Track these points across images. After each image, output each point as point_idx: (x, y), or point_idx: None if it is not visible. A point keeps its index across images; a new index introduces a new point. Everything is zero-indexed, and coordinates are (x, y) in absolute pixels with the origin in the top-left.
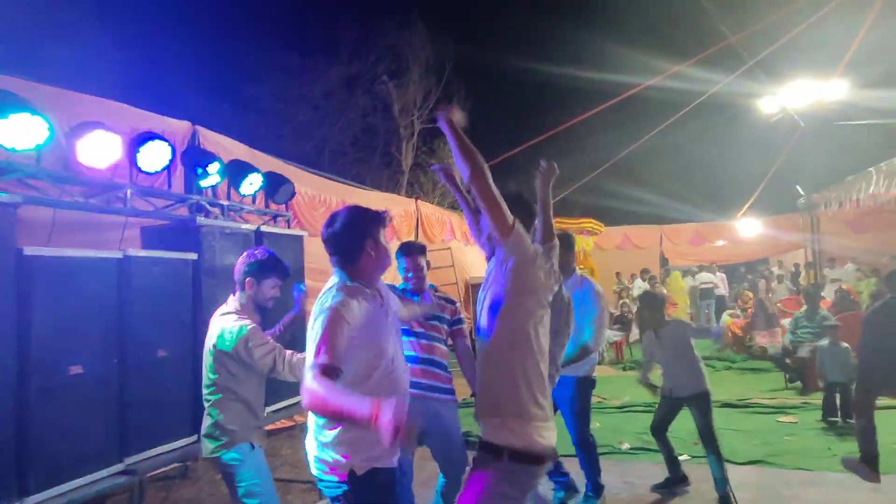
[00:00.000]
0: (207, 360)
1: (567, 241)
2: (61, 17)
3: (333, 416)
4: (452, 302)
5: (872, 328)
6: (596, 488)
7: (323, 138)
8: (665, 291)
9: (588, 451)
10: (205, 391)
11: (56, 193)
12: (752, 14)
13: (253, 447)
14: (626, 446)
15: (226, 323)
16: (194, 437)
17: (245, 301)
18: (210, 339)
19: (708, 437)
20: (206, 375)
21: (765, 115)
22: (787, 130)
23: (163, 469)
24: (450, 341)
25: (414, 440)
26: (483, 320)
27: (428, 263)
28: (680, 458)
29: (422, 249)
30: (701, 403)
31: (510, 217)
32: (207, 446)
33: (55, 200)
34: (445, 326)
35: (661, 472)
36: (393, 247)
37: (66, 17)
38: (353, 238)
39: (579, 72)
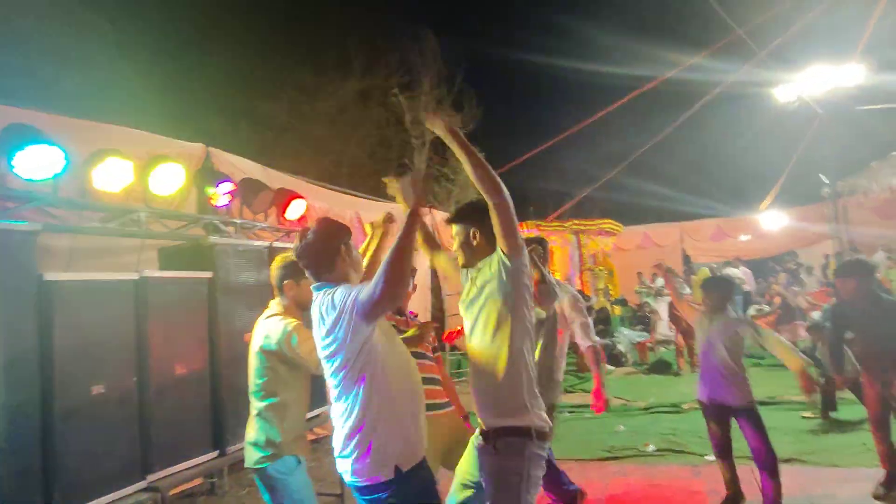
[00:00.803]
0: (254, 363)
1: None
2: (84, 48)
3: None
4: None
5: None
6: None
7: (340, 152)
8: (688, 290)
9: None
10: (252, 398)
11: (74, 219)
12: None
13: (299, 461)
14: (651, 448)
15: (270, 323)
16: (215, 453)
17: (287, 303)
18: (255, 343)
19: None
20: (253, 381)
21: (781, 104)
22: (806, 118)
23: (188, 485)
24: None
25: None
26: (483, 333)
27: (414, 286)
28: (706, 457)
29: None
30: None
31: (522, 241)
32: (252, 455)
33: (73, 226)
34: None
35: (687, 474)
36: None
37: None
38: (328, 244)
39: (591, 68)
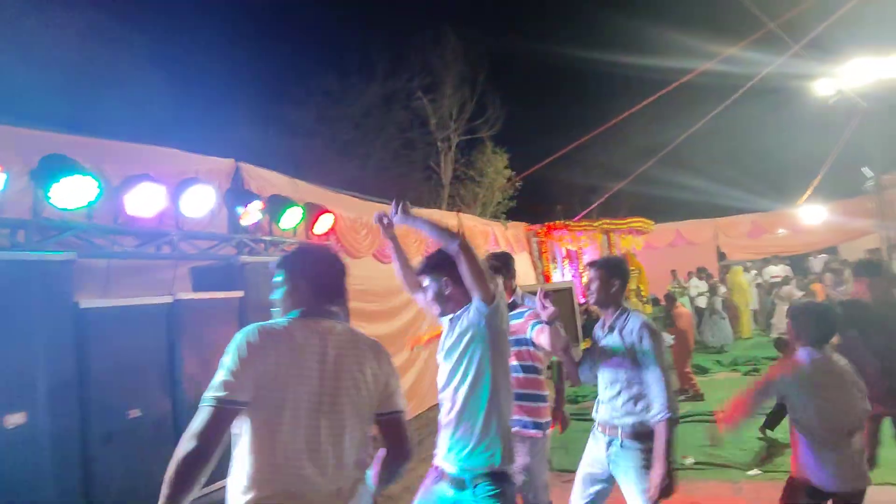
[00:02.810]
0: None
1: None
2: (115, 65)
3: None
4: None
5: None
6: None
7: (365, 155)
8: (724, 289)
9: None
10: None
11: (108, 244)
12: None
13: None
14: (689, 461)
15: None
16: None
17: None
18: None
19: None
20: None
21: (821, 98)
22: (847, 111)
23: None
24: None
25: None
26: (461, 381)
27: None
28: (749, 473)
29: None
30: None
31: (493, 285)
32: None
33: (108, 252)
34: None
35: (728, 491)
36: None
37: (119, 66)
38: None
39: (622, 59)
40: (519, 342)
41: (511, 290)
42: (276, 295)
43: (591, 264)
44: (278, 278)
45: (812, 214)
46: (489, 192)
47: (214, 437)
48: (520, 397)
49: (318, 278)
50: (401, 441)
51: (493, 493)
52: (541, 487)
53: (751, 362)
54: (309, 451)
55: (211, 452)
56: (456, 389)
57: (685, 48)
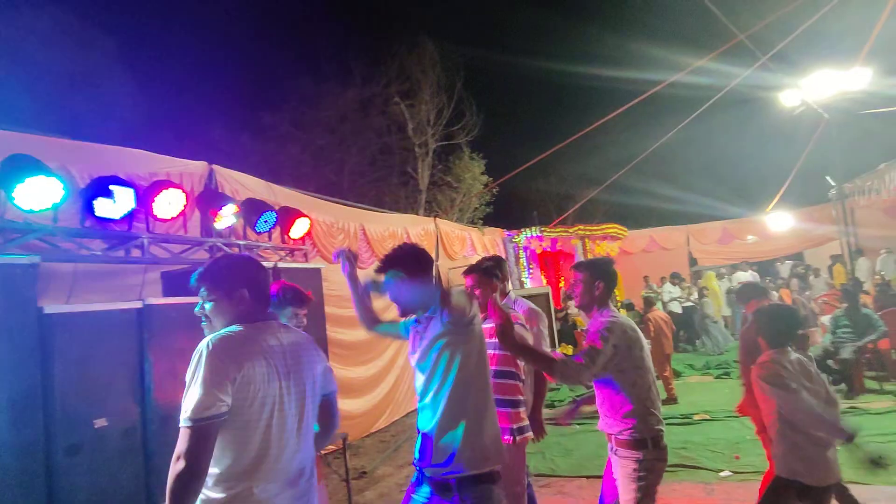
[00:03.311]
0: None
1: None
2: (85, 65)
3: None
4: None
5: None
6: None
7: (341, 161)
8: (696, 295)
9: None
10: None
11: (75, 247)
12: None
13: None
14: None
15: None
16: None
17: None
18: None
19: None
20: None
21: (787, 108)
22: (812, 122)
23: None
24: None
25: None
26: (440, 385)
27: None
28: (720, 474)
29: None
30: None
31: (468, 307)
32: None
33: (74, 255)
34: None
35: (700, 493)
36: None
37: (89, 65)
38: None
39: (594, 71)
40: (496, 346)
41: (504, 293)
42: (207, 308)
43: (576, 266)
44: (205, 293)
45: (779, 221)
46: (466, 198)
47: (203, 455)
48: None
49: (258, 284)
50: (333, 416)
51: (478, 496)
52: (517, 495)
53: (722, 366)
54: (282, 440)
55: (203, 469)
56: (436, 395)
57: (657, 61)
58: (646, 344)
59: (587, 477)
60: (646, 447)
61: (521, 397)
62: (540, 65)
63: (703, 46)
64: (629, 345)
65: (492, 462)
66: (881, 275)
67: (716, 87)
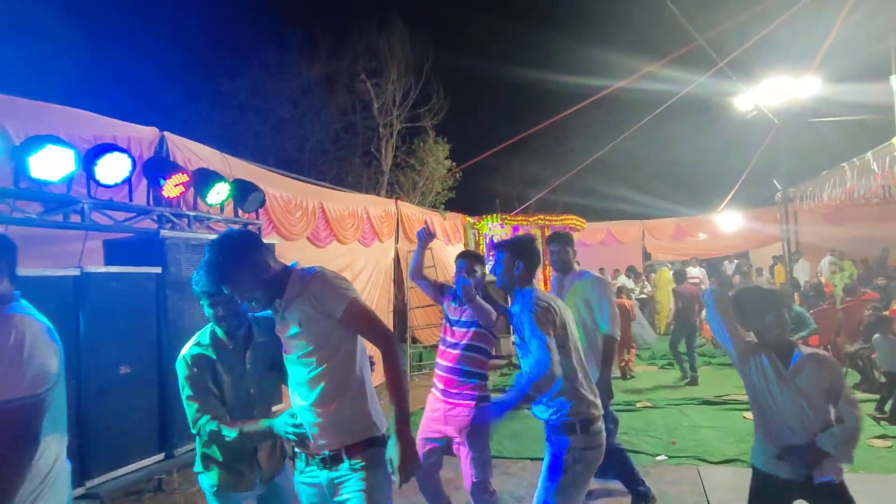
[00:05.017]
0: None
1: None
2: (26, 15)
3: None
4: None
5: None
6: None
7: (303, 136)
8: (650, 287)
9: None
10: None
11: (8, 209)
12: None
13: None
14: None
15: None
16: (161, 456)
17: None
18: None
19: None
20: None
21: (741, 113)
22: (764, 127)
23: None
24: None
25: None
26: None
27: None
28: (657, 458)
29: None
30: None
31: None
32: None
33: (7, 217)
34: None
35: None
36: (362, 250)
37: (31, 16)
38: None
39: (557, 73)
40: (468, 324)
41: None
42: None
43: (497, 245)
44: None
45: (729, 221)
46: (429, 182)
47: None
48: (453, 371)
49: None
50: None
51: (370, 460)
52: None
53: (667, 356)
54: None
55: None
56: (309, 374)
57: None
58: (570, 322)
59: (531, 459)
60: (574, 432)
61: (480, 371)
62: (504, 64)
63: (662, 52)
64: (555, 322)
65: (378, 427)
66: (819, 277)
67: (674, 91)
